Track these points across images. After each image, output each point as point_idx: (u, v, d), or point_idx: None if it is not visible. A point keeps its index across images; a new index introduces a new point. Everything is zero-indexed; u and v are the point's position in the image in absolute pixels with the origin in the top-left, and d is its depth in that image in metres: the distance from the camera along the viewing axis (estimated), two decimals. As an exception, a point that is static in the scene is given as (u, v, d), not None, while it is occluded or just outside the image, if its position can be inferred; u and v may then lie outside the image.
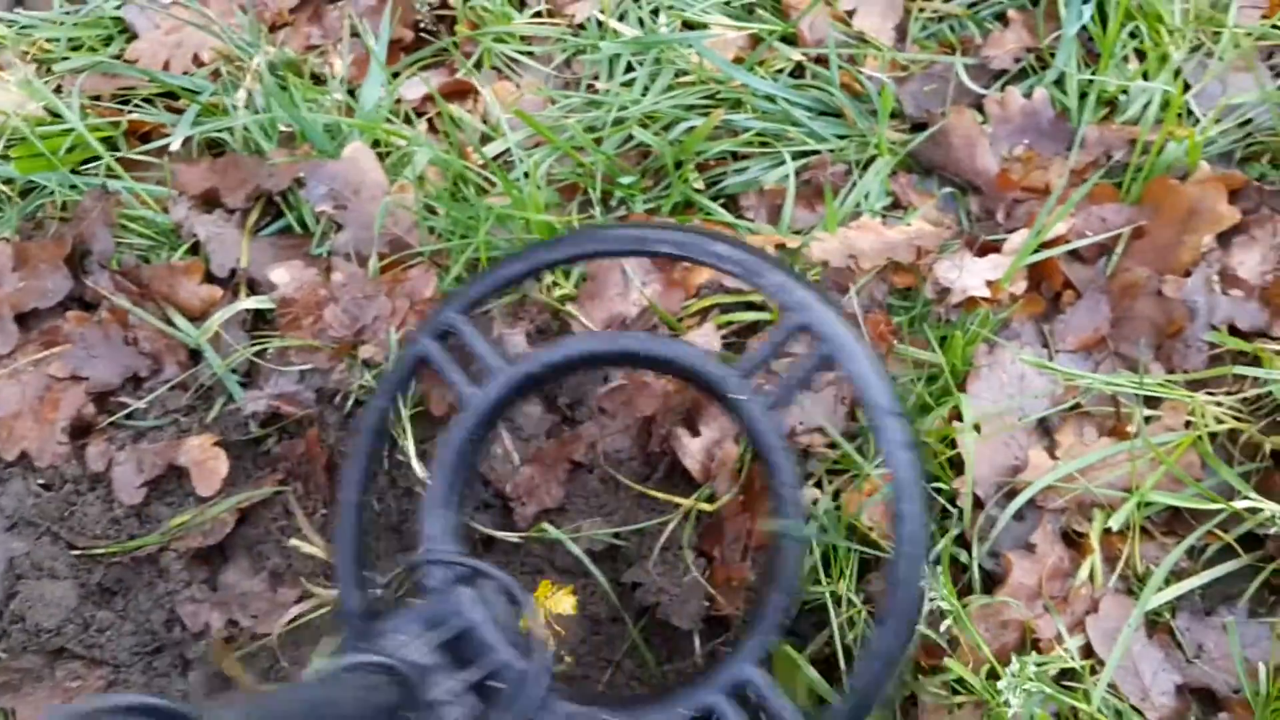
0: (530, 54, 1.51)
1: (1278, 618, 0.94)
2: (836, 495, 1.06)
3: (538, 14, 1.53)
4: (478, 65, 1.48)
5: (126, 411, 1.26)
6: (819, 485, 1.06)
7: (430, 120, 1.46)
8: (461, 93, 1.47)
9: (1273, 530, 0.95)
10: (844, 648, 0.97)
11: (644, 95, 1.42)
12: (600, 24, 1.48)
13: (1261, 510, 0.96)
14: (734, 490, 1.05)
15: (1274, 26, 1.34)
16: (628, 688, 1.07)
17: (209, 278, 1.31)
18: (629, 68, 1.46)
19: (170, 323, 1.28)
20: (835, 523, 1.03)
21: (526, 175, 1.29)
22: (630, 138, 1.39)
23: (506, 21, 1.51)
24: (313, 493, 1.21)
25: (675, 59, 1.46)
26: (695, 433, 1.09)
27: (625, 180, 1.34)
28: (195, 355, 1.28)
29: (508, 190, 1.26)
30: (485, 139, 1.39)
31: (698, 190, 1.35)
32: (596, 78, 1.47)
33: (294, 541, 1.14)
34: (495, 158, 1.36)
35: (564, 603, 1.08)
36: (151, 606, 1.17)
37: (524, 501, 1.08)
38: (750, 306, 1.20)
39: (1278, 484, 1.02)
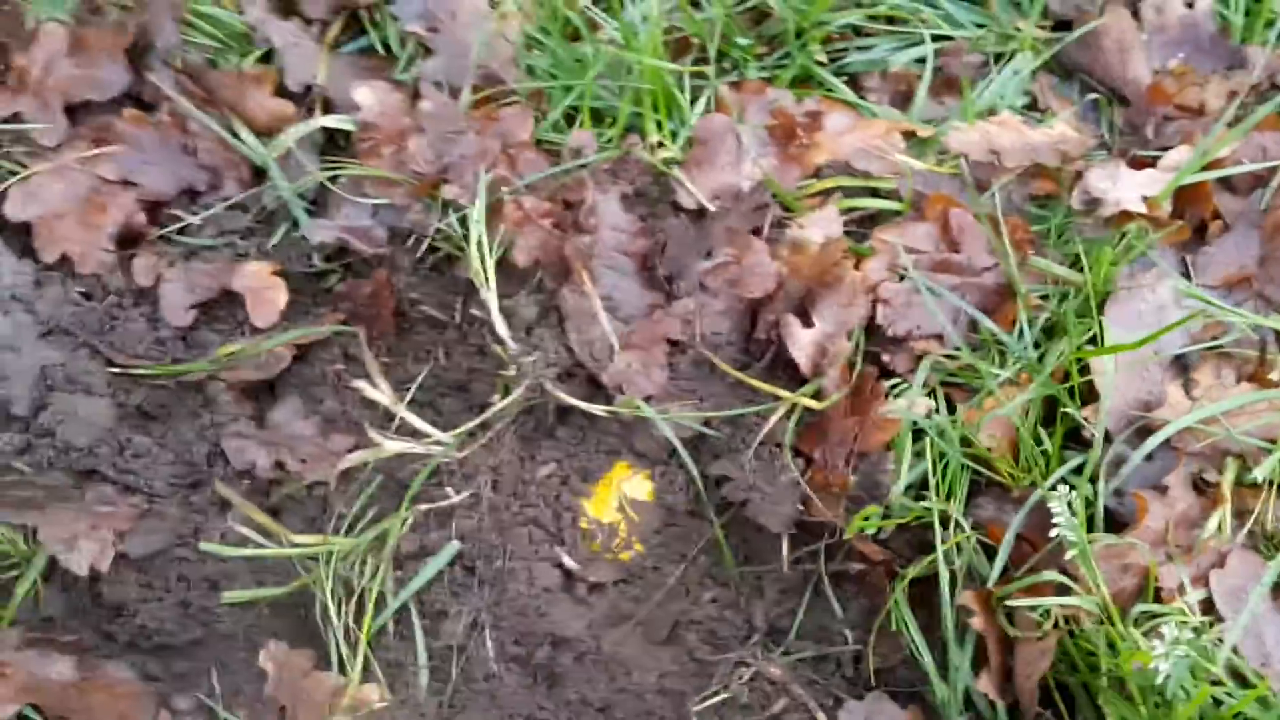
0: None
1: None
2: (952, 408, 0.98)
3: None
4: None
5: (179, 226, 1.17)
6: (932, 395, 0.99)
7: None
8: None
9: None
10: (950, 574, 0.90)
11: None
12: None
13: None
14: (844, 390, 0.97)
15: None
16: (700, 585, 1.01)
17: (281, 91, 1.20)
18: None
19: (235, 135, 1.18)
20: (949, 438, 0.95)
21: (643, 19, 1.17)
22: (753, -3, 1.28)
23: None
24: (378, 338, 1.13)
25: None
26: (808, 323, 1.01)
27: (742, 42, 1.23)
28: (259, 174, 1.19)
29: (622, 31, 1.15)
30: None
31: (819, 63, 1.24)
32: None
33: (359, 383, 1.06)
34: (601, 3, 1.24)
35: (641, 488, 1.01)
36: (194, 437, 1.10)
37: (621, 391, 0.99)
38: (876, 194, 1.10)
39: None
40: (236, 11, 1.24)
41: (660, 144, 1.14)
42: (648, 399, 0.99)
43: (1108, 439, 0.95)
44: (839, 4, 1.27)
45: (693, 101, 1.19)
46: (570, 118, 1.18)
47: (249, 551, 1.01)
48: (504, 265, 1.06)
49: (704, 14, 1.24)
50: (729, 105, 1.17)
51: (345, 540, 1.00)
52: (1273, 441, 0.93)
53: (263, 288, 1.12)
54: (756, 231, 1.05)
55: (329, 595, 0.98)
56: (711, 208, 1.08)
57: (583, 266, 1.02)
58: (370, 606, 0.98)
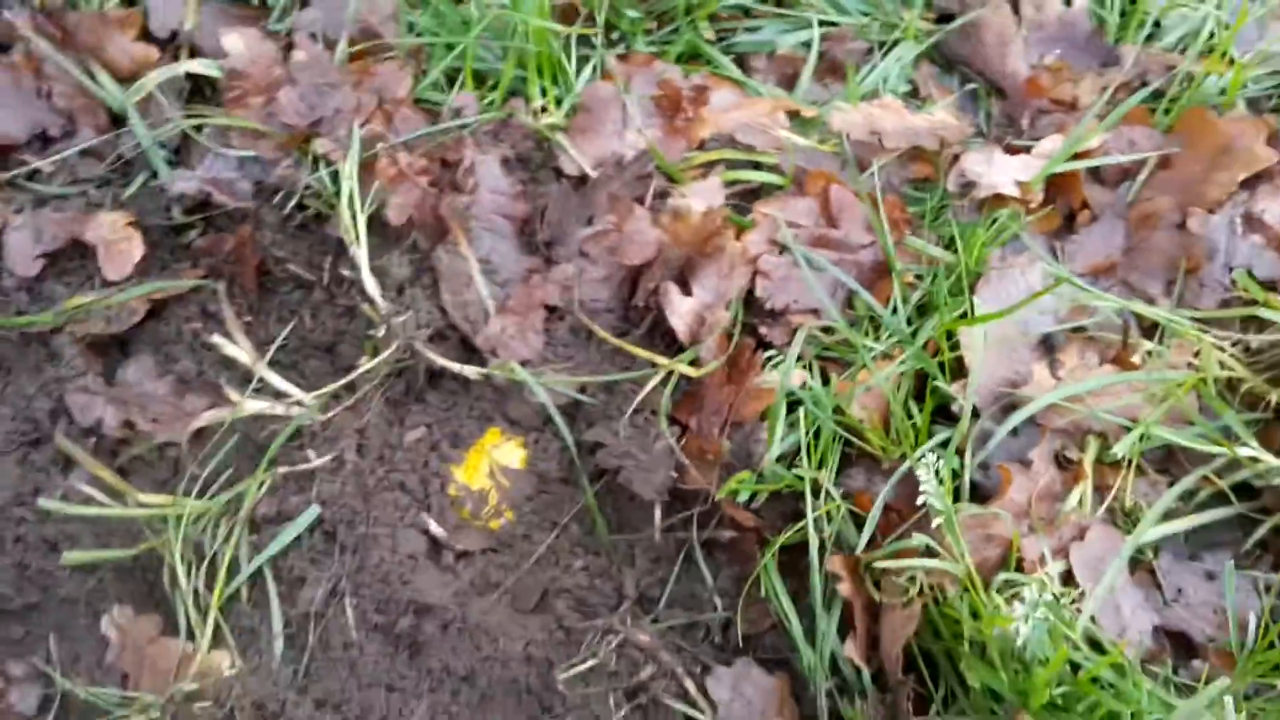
0: None
1: (1266, 572, 0.91)
2: (826, 380, 0.98)
3: None
4: None
5: (27, 170, 1.10)
6: (809, 369, 0.99)
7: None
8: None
9: (1273, 482, 0.91)
10: (819, 542, 0.90)
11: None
12: None
13: (1260, 461, 0.93)
14: (721, 359, 0.97)
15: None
16: (571, 553, 0.99)
17: (146, 35, 1.14)
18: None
19: (94, 79, 1.12)
20: (823, 409, 0.95)
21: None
22: (639, -31, 1.27)
23: None
24: (239, 295, 1.08)
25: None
26: (687, 292, 1.00)
27: (631, 14, 1.22)
28: (118, 121, 1.13)
29: (504, -5, 1.13)
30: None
31: (707, 41, 1.24)
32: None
33: (217, 339, 1.01)
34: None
35: (513, 455, 0.99)
36: (36, 392, 1.03)
37: (495, 354, 0.97)
38: (759, 168, 1.11)
39: (1274, 438, 0.98)
40: (101, -50, 1.18)
41: (544, 109, 1.12)
42: (523, 364, 0.97)
43: (975, 414, 0.97)
44: (729, -15, 1.27)
45: (579, 69, 1.18)
46: (452, 78, 1.15)
47: (93, 510, 0.95)
48: (376, 224, 1.02)
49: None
50: (616, 75, 1.15)
51: (197, 502, 0.95)
52: (1133, 421, 0.96)
53: (116, 239, 1.06)
54: (639, 200, 1.04)
55: (178, 559, 0.93)
56: (594, 175, 1.06)
57: (459, 227, 0.99)
58: (222, 572, 0.93)
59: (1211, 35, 1.23)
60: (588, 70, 1.18)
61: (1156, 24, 1.27)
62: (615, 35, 1.24)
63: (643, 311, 1.01)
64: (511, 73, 1.12)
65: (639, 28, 1.24)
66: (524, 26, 1.10)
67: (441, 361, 0.96)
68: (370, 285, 0.99)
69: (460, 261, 0.99)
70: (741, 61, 1.27)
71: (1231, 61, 1.21)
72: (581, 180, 1.07)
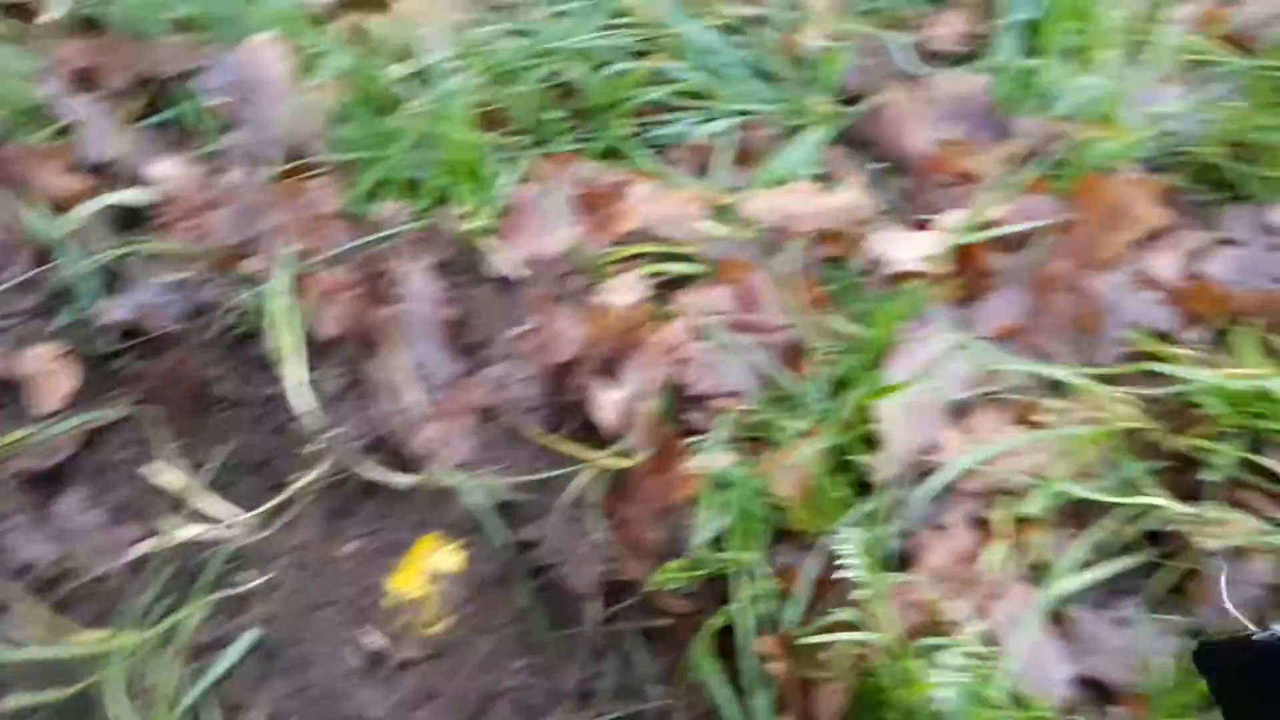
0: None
1: (1175, 615, 0.98)
2: (751, 460, 1.05)
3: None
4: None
5: (-42, 306, 1.15)
6: (735, 450, 1.05)
7: (340, 29, 1.39)
8: (379, 2, 1.40)
9: (1179, 528, 0.99)
10: (757, 619, 0.96)
11: (577, 31, 1.39)
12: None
13: (1163, 508, 1.00)
14: (649, 449, 1.03)
15: (1205, 43, 1.39)
16: (511, 654, 1.04)
17: (77, 166, 1.21)
18: (565, 1, 1.43)
19: (24, 213, 1.18)
20: (748, 489, 1.02)
21: (449, 95, 1.23)
22: (558, 73, 1.35)
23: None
24: (174, 419, 1.13)
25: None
26: (613, 386, 1.07)
27: (552, 116, 1.30)
28: (49, 253, 1.18)
29: (432, 106, 1.21)
30: (403, 54, 1.33)
31: (626, 136, 1.32)
32: (530, 5, 1.43)
33: (149, 468, 1.06)
34: (412, 74, 1.30)
35: (450, 560, 1.04)
36: (-33, 533, 1.07)
37: (429, 462, 1.03)
38: (679, 260, 1.18)
39: (1177, 484, 1.06)
40: (32, 85, 1.24)
41: (470, 214, 1.19)
42: (457, 468, 1.03)
43: (894, 483, 1.03)
44: (645, 81, 1.36)
45: (503, 172, 1.25)
46: (381, 189, 1.22)
47: (26, 655, 0.98)
48: (308, 339, 1.08)
49: (516, 88, 1.31)
50: (539, 176, 1.23)
51: (134, 636, 0.98)
52: (1043, 478, 1.03)
53: (47, 372, 1.11)
54: (563, 298, 1.11)
55: (117, 696, 0.96)
56: (520, 276, 1.13)
57: (389, 338, 1.05)
58: (161, 705, 0.97)
59: (1103, 103, 1.32)
60: (512, 173, 1.25)
61: (1051, 95, 1.36)
62: (538, 136, 1.32)
63: (571, 407, 1.08)
64: (439, 181, 1.20)
65: (561, 127, 1.32)
66: (448, 139, 1.17)
67: (375, 474, 1.02)
68: (302, 401, 1.04)
69: (391, 372, 1.05)
70: (660, 153, 1.35)
71: (1121, 127, 1.31)
72: (508, 282, 1.14)
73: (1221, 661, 0.90)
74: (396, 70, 1.27)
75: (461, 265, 1.16)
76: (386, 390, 1.05)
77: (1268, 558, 0.98)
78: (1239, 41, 1.42)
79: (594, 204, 1.19)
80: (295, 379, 1.05)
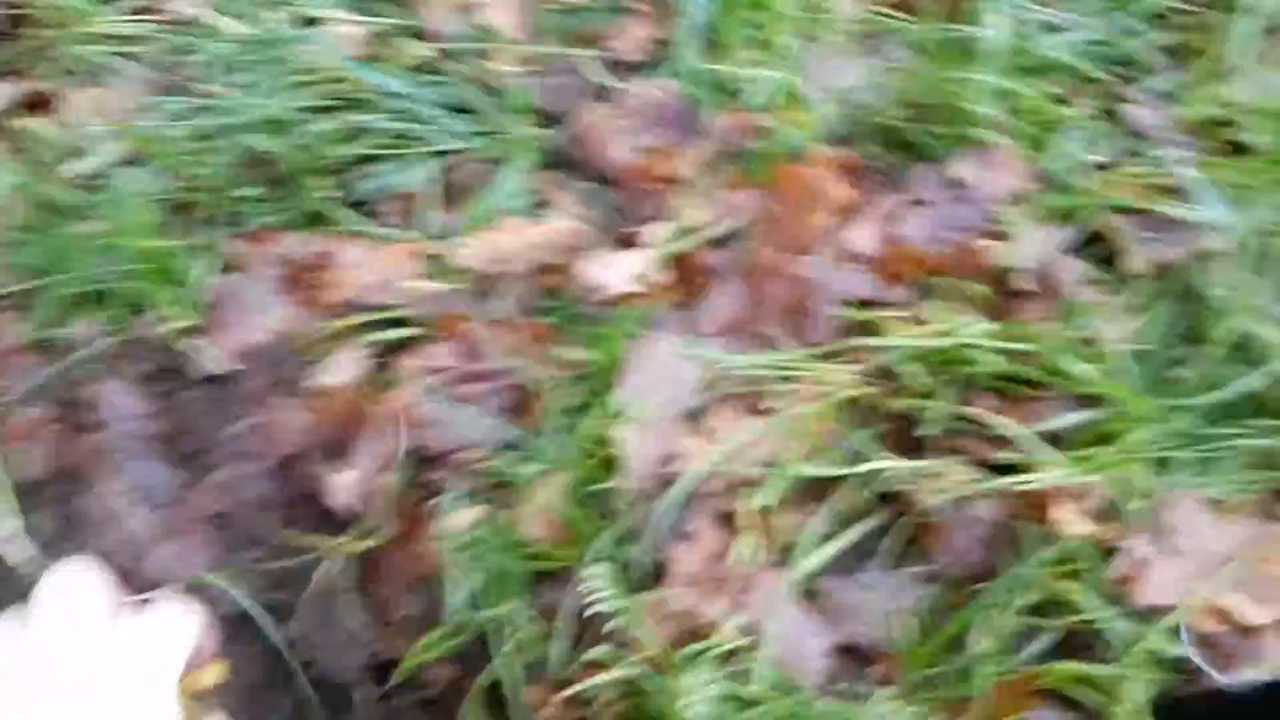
0: (124, 55, 1.41)
1: (914, 568, 1.07)
2: (501, 509, 1.08)
3: (133, 10, 1.44)
4: (61, 71, 1.37)
5: None
6: (487, 502, 1.08)
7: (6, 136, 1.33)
8: (43, 104, 1.35)
9: (906, 486, 1.07)
10: (522, 670, 0.99)
11: (260, 98, 1.37)
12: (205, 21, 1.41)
13: (887, 469, 1.08)
14: (394, 522, 1.05)
15: (876, 12, 1.49)
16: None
17: None
18: (242, 68, 1.41)
19: None
20: (499, 540, 1.05)
21: (127, 196, 1.21)
22: (246, 146, 1.34)
23: (90, 21, 1.40)
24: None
25: (293, 57, 1.42)
26: (347, 465, 1.07)
27: (247, 193, 1.29)
28: None
29: (111, 212, 1.18)
30: (74, 155, 1.29)
31: (328, 199, 1.32)
32: (205, 80, 1.40)
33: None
34: (86, 177, 1.26)
35: (208, 676, 1.03)
36: None
37: (168, 583, 1.01)
38: (397, 323, 1.19)
39: (903, 442, 1.15)
40: None
41: (170, 316, 1.17)
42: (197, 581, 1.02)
43: (639, 502, 1.08)
44: (339, 138, 1.36)
45: (200, 264, 1.23)
46: (70, 308, 1.19)
47: None
48: (16, 485, 1.05)
49: (202, 170, 1.29)
50: (239, 261, 1.22)
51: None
52: (776, 465, 1.10)
53: None
54: (281, 386, 1.11)
55: None
56: (232, 371, 1.13)
57: (99, 466, 1.03)
58: None
59: (785, 88, 1.39)
60: (210, 263, 1.23)
61: (739, 91, 1.43)
62: (234, 217, 1.31)
63: (307, 497, 1.08)
64: (131, 288, 1.17)
65: (257, 203, 1.31)
66: (131, 246, 1.15)
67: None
68: (17, 552, 1.01)
69: (108, 500, 1.03)
70: (369, 208, 1.35)
71: (809, 106, 1.39)
72: (221, 379, 1.13)
73: (1188, 715, 0.99)
74: (69, 174, 1.23)
75: (168, 372, 1.14)
76: (106, 522, 1.03)
77: (987, 500, 1.07)
78: (906, 6, 1.52)
79: (301, 279, 1.19)
80: (7, 530, 1.01)
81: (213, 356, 1.13)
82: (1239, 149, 1.34)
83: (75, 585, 0.92)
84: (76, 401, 1.08)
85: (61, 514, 1.05)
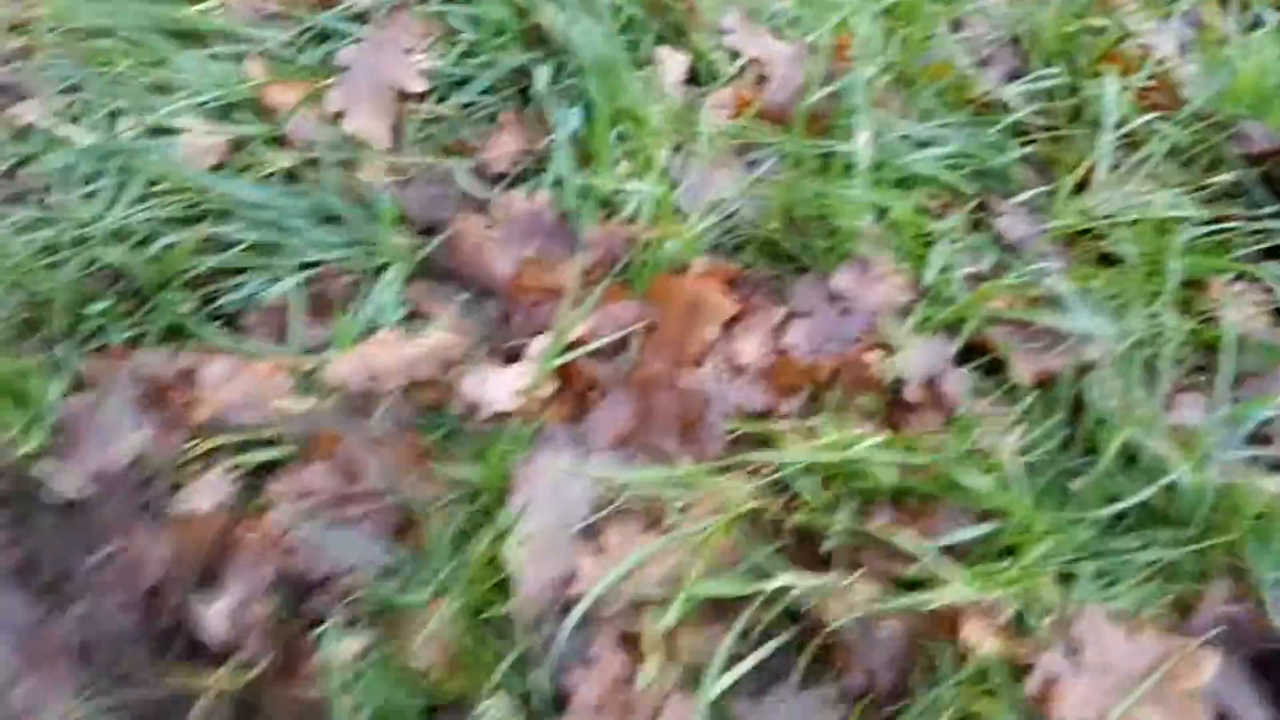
0: (-43, 165, 1.38)
1: (825, 689, 1.09)
2: (388, 637, 1.06)
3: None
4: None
5: None
6: (371, 627, 1.06)
7: None
8: None
9: (806, 605, 1.10)
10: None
11: (110, 209, 1.36)
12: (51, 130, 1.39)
13: (792, 588, 1.11)
14: (271, 654, 1.02)
15: (745, 126, 1.58)
16: None
17: None
18: (89, 178, 1.39)
19: None
20: (387, 673, 1.03)
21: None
22: (96, 259, 1.32)
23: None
24: None
25: (145, 167, 1.41)
26: (216, 596, 1.04)
27: (97, 307, 1.26)
28: None
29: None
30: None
31: (188, 313, 1.30)
32: (49, 190, 1.38)
33: None
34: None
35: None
36: None
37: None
38: (266, 444, 1.18)
39: (805, 556, 1.18)
40: None
41: (19, 438, 1.13)
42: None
43: (537, 625, 1.08)
44: (199, 249, 1.35)
45: (51, 382, 1.20)
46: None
47: None
48: None
49: (50, 284, 1.26)
50: (92, 379, 1.19)
51: None
52: (678, 583, 1.11)
53: None
54: (141, 512, 1.08)
55: None
56: (89, 495, 1.09)
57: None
58: None
59: (661, 201, 1.46)
60: (60, 382, 1.19)
61: (612, 202, 1.49)
62: (86, 332, 1.27)
63: (174, 630, 1.04)
64: (-31, 410, 1.13)
65: (111, 317, 1.28)
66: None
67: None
68: None
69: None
70: (233, 321, 1.34)
71: (685, 218, 1.46)
72: (76, 505, 1.09)
73: None
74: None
75: (19, 497, 1.10)
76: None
77: (895, 618, 1.11)
78: (774, 117, 1.62)
79: (161, 398, 1.17)
80: None
81: (65, 480, 1.09)
82: (1107, 259, 1.46)
83: None
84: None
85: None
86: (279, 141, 1.51)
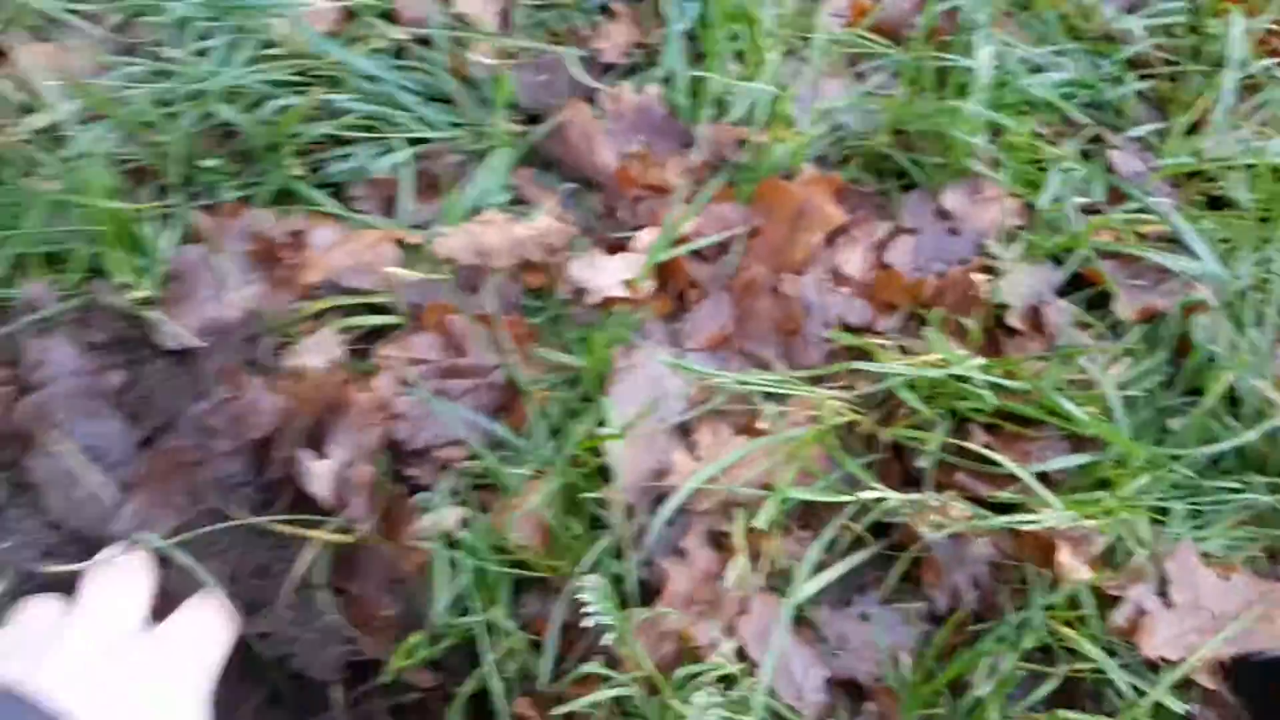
0: (75, 13, 1.36)
1: (910, 604, 1.08)
2: (486, 510, 1.05)
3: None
4: (7, 23, 1.30)
5: None
6: (464, 503, 1.05)
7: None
8: (-10, 54, 1.29)
9: (898, 519, 1.08)
10: (504, 682, 0.97)
11: (224, 67, 1.33)
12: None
13: (886, 499, 1.09)
14: (373, 516, 1.01)
15: (859, 36, 1.53)
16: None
17: None
18: (203, 35, 1.37)
19: None
20: (483, 543, 1.02)
21: (85, 155, 1.15)
22: (210, 115, 1.30)
23: (38, -30, 1.34)
24: None
25: (258, 29, 1.38)
26: (323, 454, 1.04)
27: (210, 163, 1.24)
28: None
29: (63, 171, 1.12)
30: (25, 110, 1.23)
31: (298, 177, 1.29)
32: (161, 44, 1.36)
33: None
34: (39, 133, 1.20)
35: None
36: None
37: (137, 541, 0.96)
38: (375, 310, 1.16)
39: (895, 473, 1.16)
40: None
41: (131, 285, 1.12)
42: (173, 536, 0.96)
43: (630, 514, 1.07)
44: (310, 115, 1.32)
45: (163, 233, 1.19)
46: (21, 268, 1.12)
47: None
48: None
49: (164, 137, 1.24)
50: (204, 233, 1.17)
51: None
52: (770, 486, 1.10)
53: None
54: (252, 365, 1.07)
55: None
56: (198, 346, 1.08)
57: (43, 426, 0.98)
58: None
59: (773, 104, 1.41)
60: (174, 232, 1.18)
61: (723, 102, 1.45)
62: (198, 187, 1.26)
63: (281, 483, 1.04)
64: (86, 252, 1.12)
65: (222, 174, 1.27)
66: (85, 207, 1.10)
67: (59, 567, 0.94)
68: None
69: (60, 460, 0.97)
70: (340, 191, 1.32)
71: (794, 124, 1.42)
72: (186, 354, 1.08)
73: (1266, 680, 1.00)
74: (20, 130, 1.17)
75: (131, 342, 1.09)
76: (59, 484, 0.97)
77: (986, 539, 1.09)
78: (888, 32, 1.56)
79: (272, 257, 1.15)
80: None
81: (175, 330, 1.08)
82: (1218, 203, 1.41)
83: (118, 581, 0.89)
84: (26, 362, 1.02)
85: (8, 480, 0.99)
86: (389, 15, 1.47)
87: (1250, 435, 1.14)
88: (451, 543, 1.02)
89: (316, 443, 1.04)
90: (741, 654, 1.02)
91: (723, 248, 1.31)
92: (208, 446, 1.01)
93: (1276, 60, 1.56)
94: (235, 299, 1.12)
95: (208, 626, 0.92)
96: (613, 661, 0.98)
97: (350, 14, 1.46)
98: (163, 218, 1.19)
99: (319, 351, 1.08)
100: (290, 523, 1.01)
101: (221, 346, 1.07)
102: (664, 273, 1.28)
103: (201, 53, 1.36)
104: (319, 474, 1.02)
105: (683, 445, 1.14)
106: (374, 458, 1.05)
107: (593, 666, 0.95)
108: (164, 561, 0.96)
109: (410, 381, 1.09)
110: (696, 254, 1.30)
